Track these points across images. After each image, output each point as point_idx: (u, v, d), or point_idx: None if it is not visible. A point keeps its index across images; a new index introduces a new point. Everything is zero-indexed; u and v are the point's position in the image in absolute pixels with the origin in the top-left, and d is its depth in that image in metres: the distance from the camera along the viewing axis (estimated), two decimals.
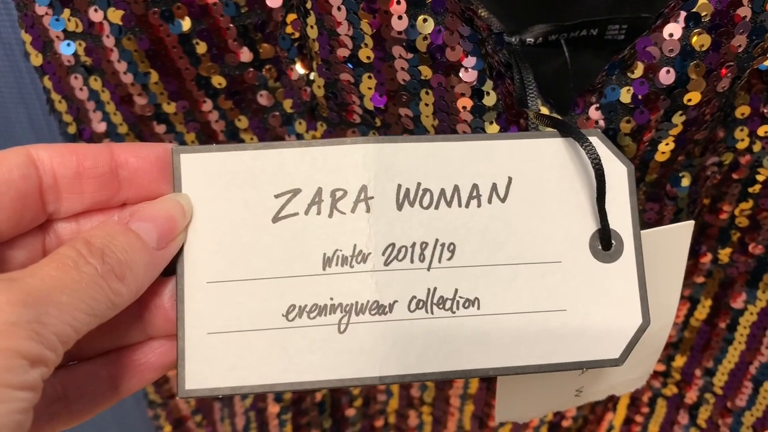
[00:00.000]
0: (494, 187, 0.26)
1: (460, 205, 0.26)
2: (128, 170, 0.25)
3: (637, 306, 0.26)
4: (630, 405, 0.48)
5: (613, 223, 0.26)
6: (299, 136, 0.36)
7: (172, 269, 0.25)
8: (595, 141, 0.26)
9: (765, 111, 0.34)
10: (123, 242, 0.23)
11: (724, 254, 0.40)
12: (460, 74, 0.30)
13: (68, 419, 0.25)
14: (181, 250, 0.25)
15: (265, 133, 0.36)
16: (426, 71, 0.30)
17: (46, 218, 0.25)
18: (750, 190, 0.36)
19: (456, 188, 0.26)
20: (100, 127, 0.35)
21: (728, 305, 0.41)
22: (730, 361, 0.43)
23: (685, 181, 0.35)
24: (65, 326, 0.20)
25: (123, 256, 0.22)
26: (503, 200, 0.26)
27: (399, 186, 0.25)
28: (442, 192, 0.26)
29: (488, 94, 0.30)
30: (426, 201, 0.25)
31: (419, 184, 0.25)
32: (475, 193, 0.26)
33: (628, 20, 0.33)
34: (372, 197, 0.25)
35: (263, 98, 0.35)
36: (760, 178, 0.36)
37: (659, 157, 0.32)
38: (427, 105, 0.31)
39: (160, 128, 0.36)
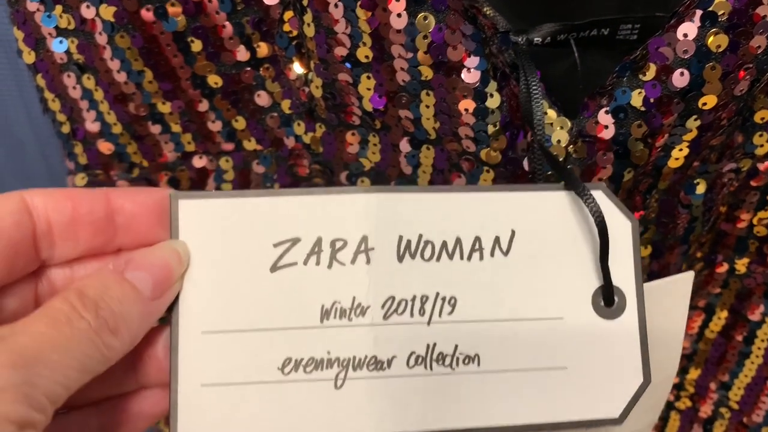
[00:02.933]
0: (497, 240, 0.25)
1: (462, 257, 0.25)
2: (124, 216, 0.24)
3: (639, 364, 0.25)
4: None
5: (616, 279, 0.25)
6: (298, 138, 0.35)
7: (166, 317, 0.24)
8: (600, 195, 0.25)
9: None
10: (117, 293, 0.22)
11: (742, 264, 0.38)
12: (462, 75, 0.28)
13: None
14: (177, 298, 0.24)
15: (263, 134, 0.35)
16: (426, 71, 0.29)
17: (39, 265, 0.24)
18: None
19: (458, 240, 0.25)
20: (94, 126, 0.34)
21: (745, 317, 0.39)
22: (747, 375, 0.41)
23: (701, 189, 0.33)
24: (56, 386, 0.19)
25: (117, 307, 0.21)
26: (506, 254, 0.25)
27: (400, 237, 0.25)
28: (444, 244, 0.25)
29: (492, 96, 0.29)
30: (427, 253, 0.25)
31: (421, 235, 0.25)
32: (477, 246, 0.25)
33: (641, 20, 0.31)
34: (372, 248, 0.25)
35: (261, 98, 0.34)
36: None
37: (673, 164, 0.31)
38: (428, 107, 0.30)
39: (155, 128, 0.35)
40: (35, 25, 0.32)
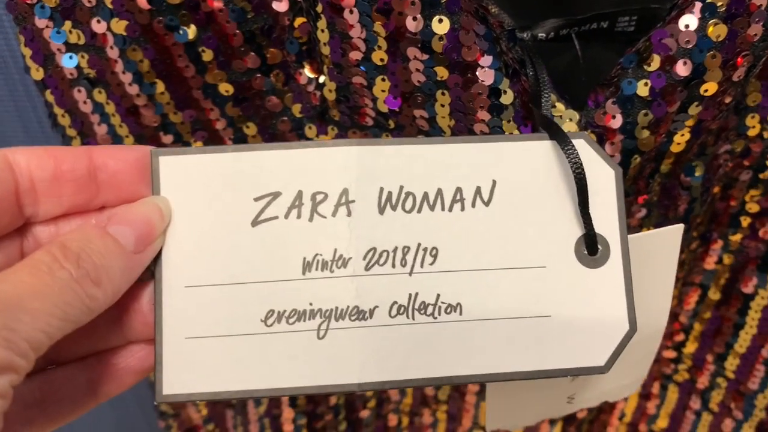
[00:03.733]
0: (478, 190, 0.25)
1: (443, 208, 0.25)
2: (107, 173, 0.24)
3: (624, 313, 0.25)
4: (641, 392, 0.48)
5: (600, 228, 0.25)
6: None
7: (151, 273, 0.25)
8: (581, 144, 0.26)
9: None
10: (99, 246, 0.22)
11: (735, 240, 0.40)
12: (477, 74, 0.29)
13: (45, 424, 0.25)
14: (160, 253, 0.25)
15: (274, 139, 0.36)
16: (442, 72, 0.30)
17: (24, 221, 0.24)
18: (761, 176, 0.36)
19: (439, 191, 0.25)
20: (106, 139, 0.35)
21: (739, 290, 0.41)
22: (742, 346, 0.43)
23: (699, 171, 0.35)
24: (37, 332, 0.19)
25: (99, 260, 0.22)
26: (487, 204, 0.25)
27: (381, 189, 0.25)
28: (425, 195, 0.25)
29: (505, 92, 0.30)
30: (408, 204, 0.25)
31: (402, 187, 0.25)
32: (458, 197, 0.25)
33: (638, 11, 0.33)
34: (353, 201, 0.25)
35: (271, 104, 0.34)
36: None
37: (674, 148, 0.32)
38: (443, 106, 0.31)
39: (167, 138, 0.35)
40: (44, 41, 0.32)
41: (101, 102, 0.34)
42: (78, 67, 0.33)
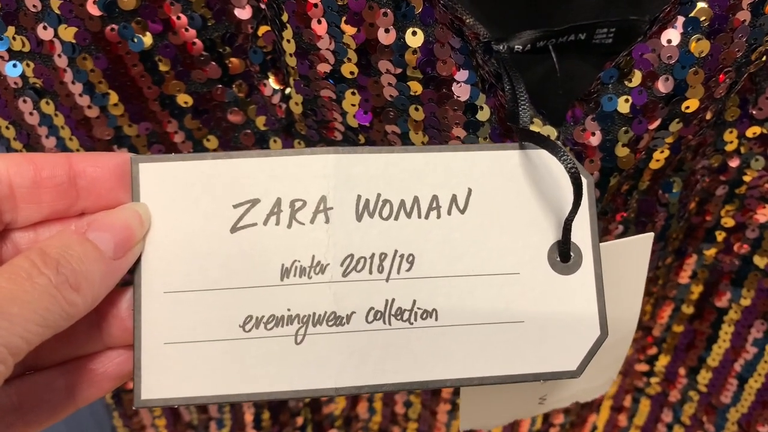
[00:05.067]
0: (454, 198, 0.26)
1: (419, 216, 0.25)
2: (86, 179, 0.25)
3: (595, 318, 0.26)
4: (613, 405, 0.48)
5: (573, 236, 0.26)
6: None
7: (130, 279, 0.25)
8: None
9: (753, 112, 0.33)
10: (79, 252, 0.22)
11: (709, 255, 0.39)
12: (453, 89, 0.28)
13: (23, 429, 0.25)
14: (139, 259, 0.25)
15: None
16: (415, 86, 0.28)
17: (3, 228, 0.24)
18: (737, 191, 0.36)
19: (416, 199, 0.25)
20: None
21: (712, 304, 0.41)
22: (714, 359, 0.43)
23: (676, 187, 0.34)
24: (15, 338, 0.20)
25: (78, 266, 0.22)
26: (462, 211, 0.26)
27: (359, 197, 0.25)
28: (402, 203, 0.25)
29: (482, 108, 0.29)
30: (386, 212, 0.25)
31: (379, 195, 0.25)
32: (434, 205, 0.25)
33: (616, 23, 0.32)
34: (331, 208, 0.25)
35: (234, 115, 0.32)
36: (746, 179, 0.35)
37: (653, 165, 0.31)
38: (416, 121, 0.29)
39: (122, 152, 0.33)
40: None
41: (49, 113, 0.31)
42: (23, 76, 0.30)
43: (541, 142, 0.25)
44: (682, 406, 0.45)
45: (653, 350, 0.44)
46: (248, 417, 0.43)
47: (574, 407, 0.47)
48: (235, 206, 0.25)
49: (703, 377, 0.44)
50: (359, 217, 0.25)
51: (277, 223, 0.25)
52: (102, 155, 0.25)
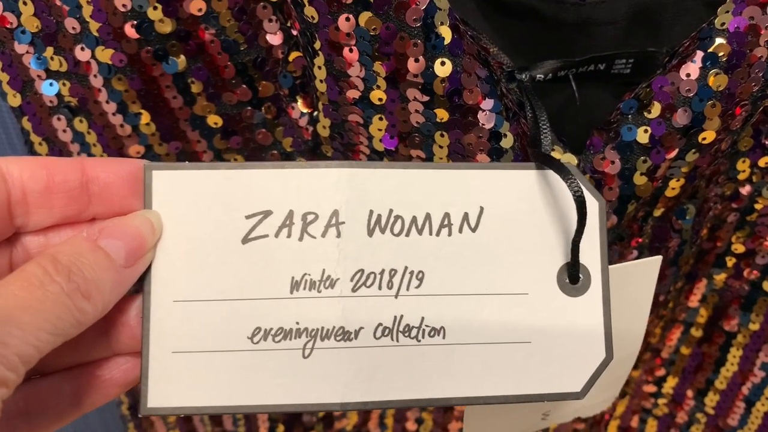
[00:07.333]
0: (466, 216, 0.26)
1: (431, 233, 0.25)
2: (99, 185, 0.24)
3: (601, 341, 0.26)
4: (620, 426, 0.48)
5: (582, 257, 0.26)
6: None
7: (139, 286, 0.25)
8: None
9: (766, 143, 0.34)
10: (90, 260, 0.22)
11: (719, 279, 0.40)
12: (478, 117, 0.29)
13: None
14: (149, 267, 0.25)
15: None
16: (442, 114, 0.29)
17: (14, 232, 0.24)
18: (748, 218, 0.37)
19: (428, 216, 0.25)
20: None
21: (721, 328, 0.41)
22: (722, 382, 0.43)
23: (690, 214, 0.35)
24: (27, 346, 0.19)
25: (90, 274, 0.22)
26: (474, 230, 0.26)
27: (371, 212, 0.25)
28: (414, 220, 0.25)
29: (505, 136, 0.29)
30: (397, 228, 0.25)
31: (391, 210, 0.25)
32: (446, 222, 0.25)
33: (634, 54, 0.33)
34: (343, 222, 0.25)
35: (261, 136, 0.33)
36: (757, 207, 0.36)
37: (669, 193, 0.32)
38: (441, 147, 0.30)
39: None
40: (23, 67, 0.31)
41: (82, 131, 0.32)
42: (59, 95, 0.31)
43: (551, 164, 0.25)
44: (689, 427, 0.46)
45: (661, 372, 0.45)
46: (263, 431, 0.44)
47: (582, 427, 0.48)
48: (248, 217, 0.25)
49: (711, 399, 0.44)
50: (371, 233, 0.25)
51: (289, 236, 0.25)
52: (115, 161, 0.25)
